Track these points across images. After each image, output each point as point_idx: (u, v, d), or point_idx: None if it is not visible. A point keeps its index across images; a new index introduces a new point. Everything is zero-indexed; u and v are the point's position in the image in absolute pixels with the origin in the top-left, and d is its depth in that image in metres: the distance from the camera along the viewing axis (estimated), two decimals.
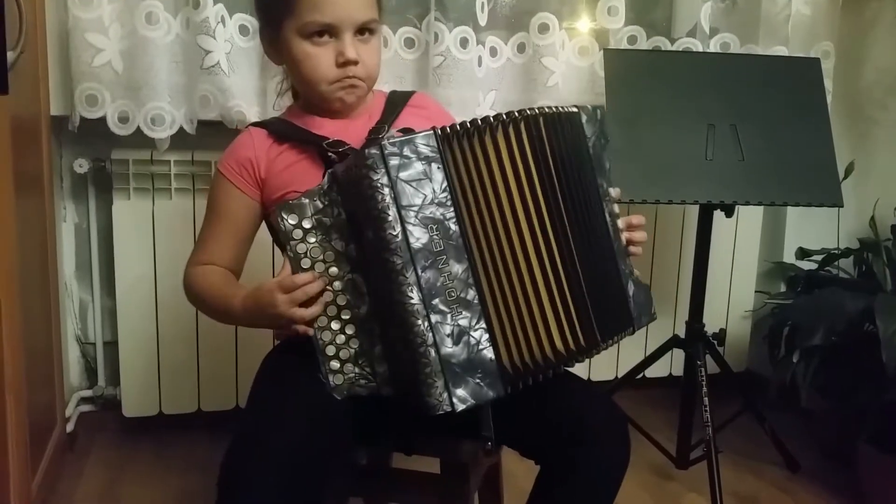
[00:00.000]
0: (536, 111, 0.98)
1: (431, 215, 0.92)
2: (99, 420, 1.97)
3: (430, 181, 0.92)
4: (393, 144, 0.91)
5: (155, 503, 1.67)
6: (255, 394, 1.08)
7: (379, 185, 0.90)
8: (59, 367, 1.76)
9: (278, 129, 1.18)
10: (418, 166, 0.92)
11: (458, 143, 0.94)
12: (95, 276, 1.92)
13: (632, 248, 1.11)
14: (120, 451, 1.88)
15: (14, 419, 1.28)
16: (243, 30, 1.75)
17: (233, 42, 1.73)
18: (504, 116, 0.96)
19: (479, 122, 0.95)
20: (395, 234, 0.91)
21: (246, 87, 1.75)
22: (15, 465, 1.29)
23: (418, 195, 0.91)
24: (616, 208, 1.10)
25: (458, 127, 0.94)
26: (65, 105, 1.71)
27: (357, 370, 0.99)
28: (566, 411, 1.05)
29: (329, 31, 1.11)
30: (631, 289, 1.09)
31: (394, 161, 0.91)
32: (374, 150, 0.91)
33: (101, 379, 1.96)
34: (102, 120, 1.69)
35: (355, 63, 1.12)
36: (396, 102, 1.23)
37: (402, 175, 0.91)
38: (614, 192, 1.10)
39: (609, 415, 1.08)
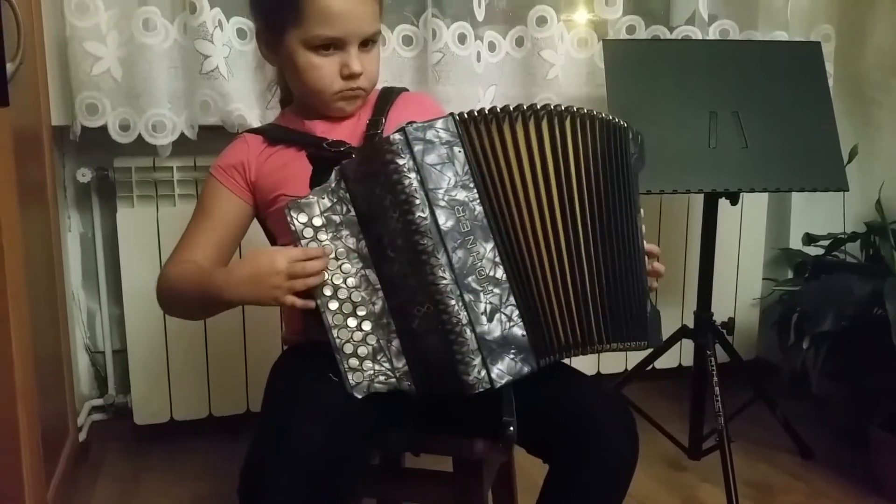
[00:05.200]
0: (563, 108, 0.99)
1: (457, 197, 0.94)
2: (111, 429, 1.97)
3: (453, 164, 0.94)
4: (416, 129, 0.93)
5: None
6: (270, 400, 1.08)
7: (405, 168, 0.92)
8: (70, 376, 1.76)
9: (273, 134, 1.18)
10: (441, 150, 0.94)
11: (475, 127, 0.96)
12: (102, 284, 1.92)
13: (652, 283, 1.12)
14: (133, 460, 1.88)
15: (26, 429, 1.28)
16: (241, 33, 1.75)
17: (231, 46, 1.73)
18: (525, 107, 0.97)
19: (499, 110, 0.97)
20: (424, 216, 0.92)
21: (246, 90, 1.75)
22: (29, 476, 1.29)
23: (443, 178, 0.94)
24: (644, 229, 1.10)
25: (475, 112, 0.96)
26: (65, 115, 1.71)
27: (376, 367, 0.99)
28: (572, 408, 1.05)
29: (335, 43, 1.11)
30: (649, 307, 1.09)
31: (418, 146, 0.93)
32: (398, 136, 0.92)
33: (112, 387, 1.96)
34: (103, 128, 1.69)
35: (359, 75, 1.13)
36: (386, 99, 1.23)
37: (427, 159, 0.93)
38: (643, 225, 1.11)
39: (615, 410, 1.07)
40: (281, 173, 1.15)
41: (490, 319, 0.94)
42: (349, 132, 1.17)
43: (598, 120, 1.03)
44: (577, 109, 1.01)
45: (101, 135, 1.70)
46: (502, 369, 0.94)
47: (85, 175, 1.82)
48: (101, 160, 1.83)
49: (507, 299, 0.95)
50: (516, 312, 0.95)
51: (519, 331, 0.95)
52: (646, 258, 1.11)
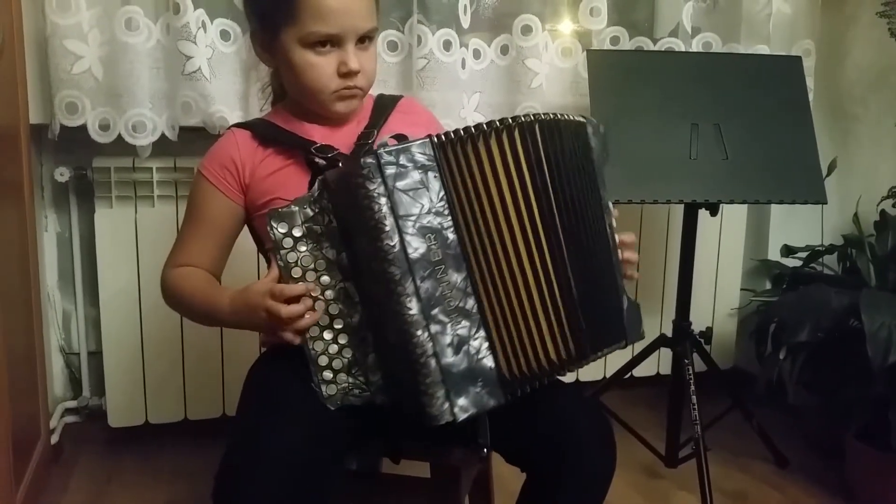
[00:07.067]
0: (532, 117, 0.96)
1: (429, 224, 0.90)
2: (84, 431, 1.95)
3: (428, 190, 0.90)
4: (389, 153, 0.89)
5: None
6: (246, 404, 1.07)
7: (375, 194, 0.88)
8: (43, 377, 1.74)
9: (263, 132, 1.15)
10: (415, 175, 0.90)
11: (453, 150, 0.92)
12: (78, 285, 1.90)
13: (627, 272, 1.10)
14: (106, 462, 1.86)
15: None
16: (224, 35, 1.73)
17: (214, 47, 1.72)
18: (498, 123, 0.94)
19: (473, 129, 0.93)
20: (392, 244, 0.89)
21: (228, 92, 1.74)
22: None
23: (415, 205, 0.90)
24: (615, 222, 1.09)
25: (452, 134, 0.93)
26: (44, 113, 1.69)
27: (350, 380, 0.98)
28: (552, 419, 1.05)
29: (332, 40, 1.08)
30: (625, 303, 1.09)
31: (390, 170, 0.89)
32: (369, 160, 0.88)
33: (86, 389, 1.93)
34: (83, 128, 1.67)
35: (357, 73, 1.11)
36: (384, 107, 1.21)
37: (399, 184, 0.89)
38: (614, 211, 1.10)
39: (595, 422, 1.07)
40: (276, 176, 1.13)
41: (456, 352, 0.91)
42: (348, 140, 1.14)
43: (560, 122, 0.98)
44: (545, 115, 0.97)
45: (81, 134, 1.67)
46: (467, 403, 0.92)
47: (63, 174, 1.80)
48: (80, 160, 1.81)
49: (477, 331, 0.93)
50: (486, 344, 0.93)
51: (488, 363, 0.93)
52: (619, 253, 1.08)
